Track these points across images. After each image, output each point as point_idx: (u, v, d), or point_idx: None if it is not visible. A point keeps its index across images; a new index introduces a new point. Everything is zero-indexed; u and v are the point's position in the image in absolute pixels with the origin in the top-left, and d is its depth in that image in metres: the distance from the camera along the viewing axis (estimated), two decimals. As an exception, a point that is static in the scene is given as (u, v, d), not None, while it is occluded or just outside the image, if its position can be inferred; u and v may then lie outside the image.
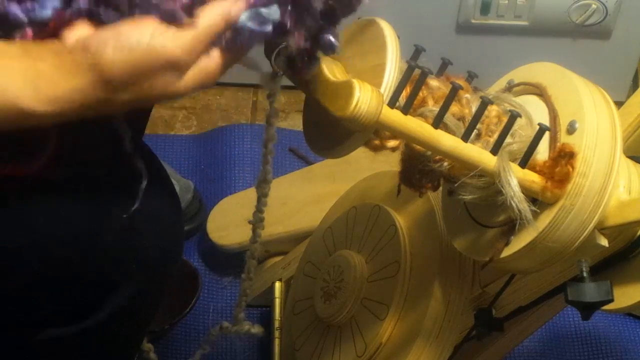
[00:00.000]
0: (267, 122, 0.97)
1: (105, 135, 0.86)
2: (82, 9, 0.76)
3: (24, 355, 0.98)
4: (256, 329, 1.34)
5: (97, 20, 0.76)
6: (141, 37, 0.74)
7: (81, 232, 0.91)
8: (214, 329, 1.35)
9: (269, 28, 0.79)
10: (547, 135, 0.95)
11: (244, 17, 0.79)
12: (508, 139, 0.94)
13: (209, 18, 0.76)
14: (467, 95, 0.95)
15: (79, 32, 0.76)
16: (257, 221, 1.12)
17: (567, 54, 1.80)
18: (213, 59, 0.78)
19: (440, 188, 1.03)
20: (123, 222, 0.91)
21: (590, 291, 0.98)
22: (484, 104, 0.92)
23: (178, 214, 1.02)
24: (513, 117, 0.93)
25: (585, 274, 0.98)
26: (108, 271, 0.93)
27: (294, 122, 1.84)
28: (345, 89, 0.84)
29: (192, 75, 0.77)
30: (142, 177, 0.90)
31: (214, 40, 0.78)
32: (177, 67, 0.76)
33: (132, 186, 0.90)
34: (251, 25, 0.79)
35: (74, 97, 0.75)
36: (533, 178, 0.94)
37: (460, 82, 0.94)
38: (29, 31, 0.76)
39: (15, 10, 0.75)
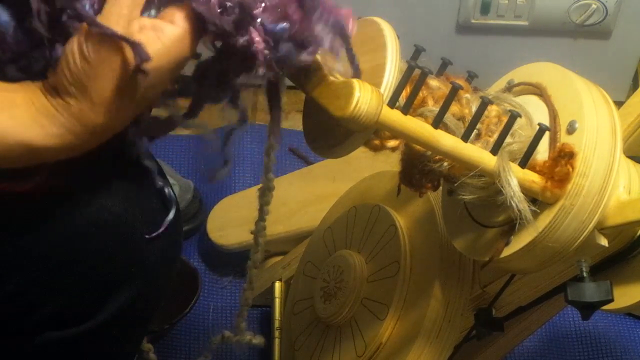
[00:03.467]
0: (269, 131, 0.97)
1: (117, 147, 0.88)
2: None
3: (23, 358, 0.98)
4: (258, 340, 1.34)
5: None
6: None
7: (82, 235, 0.91)
8: (216, 338, 1.35)
9: None
10: (547, 135, 0.95)
11: None
12: (508, 139, 0.94)
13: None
14: (467, 95, 0.95)
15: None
16: (259, 230, 1.12)
17: (567, 54, 1.80)
18: (177, 25, 0.77)
19: (440, 188, 1.03)
20: (125, 226, 0.92)
21: (590, 291, 0.98)
22: (484, 104, 0.92)
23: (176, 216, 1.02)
24: (513, 117, 0.93)
25: (585, 274, 0.98)
26: (107, 274, 0.93)
27: (294, 122, 1.84)
28: (345, 89, 0.84)
29: (159, 53, 0.76)
30: (172, 205, 0.94)
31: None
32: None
33: (160, 214, 0.93)
34: None
35: (78, 132, 0.76)
36: (533, 178, 0.94)
37: (460, 82, 0.94)
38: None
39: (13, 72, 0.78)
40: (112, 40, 0.74)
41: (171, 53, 0.77)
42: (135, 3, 0.76)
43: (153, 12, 0.78)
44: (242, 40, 0.79)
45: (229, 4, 0.78)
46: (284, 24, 0.79)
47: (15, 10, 0.77)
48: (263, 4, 0.79)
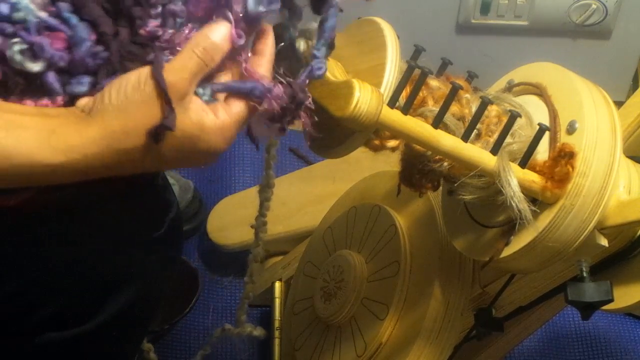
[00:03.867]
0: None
1: None
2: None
3: (23, 358, 0.98)
4: (258, 331, 1.34)
5: None
6: None
7: (82, 236, 0.91)
8: (216, 331, 1.35)
9: (277, 4, 0.81)
10: (547, 135, 0.95)
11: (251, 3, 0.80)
12: (508, 139, 0.94)
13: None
14: (467, 95, 0.95)
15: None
16: (259, 225, 1.13)
17: (567, 54, 1.80)
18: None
19: (440, 188, 1.03)
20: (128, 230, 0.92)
21: (590, 291, 0.98)
22: (484, 104, 0.92)
23: (177, 216, 1.02)
24: (513, 117, 0.93)
25: (585, 274, 0.98)
26: (107, 274, 0.93)
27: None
28: (345, 89, 0.84)
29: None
30: (171, 207, 0.94)
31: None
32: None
33: (160, 214, 0.93)
34: (261, 8, 0.80)
35: (87, 147, 0.76)
36: (533, 178, 0.94)
37: (460, 82, 0.94)
38: (60, 99, 0.79)
39: (52, 80, 0.78)
40: (161, 93, 0.77)
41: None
42: (197, 76, 0.78)
43: (208, 90, 0.80)
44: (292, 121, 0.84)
45: (286, 104, 0.82)
46: (321, 70, 0.84)
47: (97, 32, 0.79)
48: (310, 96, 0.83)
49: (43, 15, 0.78)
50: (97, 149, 0.76)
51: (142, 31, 0.79)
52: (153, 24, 0.79)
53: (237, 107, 0.81)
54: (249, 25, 0.81)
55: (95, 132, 0.76)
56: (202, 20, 0.81)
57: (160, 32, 0.79)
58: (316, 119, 0.84)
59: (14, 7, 0.77)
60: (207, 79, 0.80)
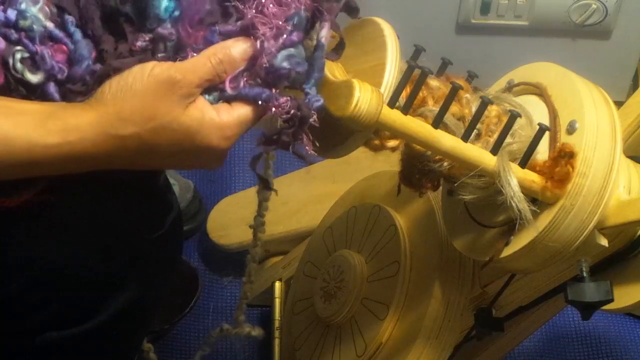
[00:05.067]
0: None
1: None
2: None
3: (24, 358, 0.98)
4: (256, 332, 1.34)
5: None
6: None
7: (82, 235, 0.91)
8: (214, 331, 1.35)
9: (304, 67, 0.82)
10: (547, 135, 0.95)
11: (279, 58, 0.81)
12: (508, 139, 0.94)
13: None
14: (467, 95, 0.95)
15: None
16: (258, 225, 1.13)
17: (567, 54, 1.79)
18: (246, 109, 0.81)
19: (440, 188, 1.03)
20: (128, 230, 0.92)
21: (590, 291, 0.98)
22: (484, 104, 0.92)
23: (177, 216, 1.02)
24: (513, 117, 0.93)
25: (585, 274, 0.98)
26: (107, 274, 0.93)
27: (294, 122, 1.84)
28: (345, 89, 0.84)
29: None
30: (172, 207, 0.94)
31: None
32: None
33: (161, 215, 0.94)
34: (286, 65, 0.81)
35: (84, 130, 0.77)
36: (533, 178, 0.94)
37: (460, 82, 0.94)
38: None
39: (53, 91, 0.80)
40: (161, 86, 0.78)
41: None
42: (206, 82, 0.80)
43: (215, 95, 0.81)
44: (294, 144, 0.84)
45: (290, 115, 0.82)
46: (319, 103, 0.83)
47: (97, 49, 0.81)
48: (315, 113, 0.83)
49: (49, 25, 0.79)
50: (93, 133, 0.77)
51: (135, 47, 0.80)
52: (143, 39, 0.80)
53: (241, 110, 0.81)
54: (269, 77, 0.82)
55: (91, 116, 0.77)
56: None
57: (151, 47, 0.80)
58: (317, 144, 0.84)
59: (22, 14, 0.78)
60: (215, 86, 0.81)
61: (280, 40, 0.81)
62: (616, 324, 1.62)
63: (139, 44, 0.80)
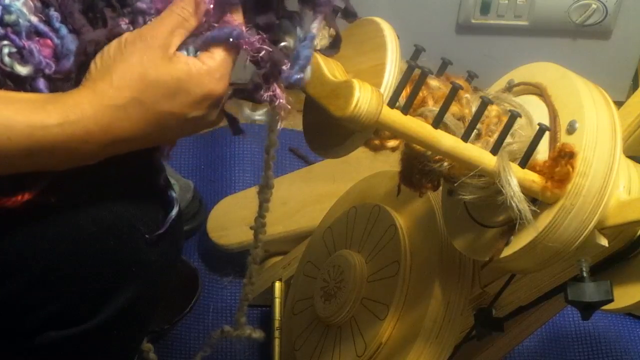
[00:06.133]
0: (269, 129, 0.97)
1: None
2: None
3: (24, 357, 0.98)
4: (257, 334, 1.34)
5: None
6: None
7: (82, 235, 0.91)
8: (215, 332, 1.35)
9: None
10: (547, 135, 0.95)
11: None
12: (508, 139, 0.94)
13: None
14: (467, 95, 0.95)
15: None
16: (258, 226, 1.12)
17: (567, 54, 1.80)
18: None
19: (440, 188, 1.03)
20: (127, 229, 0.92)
21: (590, 291, 0.98)
22: (484, 104, 0.92)
23: (177, 215, 1.02)
24: (513, 117, 0.93)
25: (585, 274, 0.98)
26: (108, 273, 0.93)
27: (294, 122, 1.82)
28: (345, 89, 0.84)
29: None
30: (173, 206, 0.95)
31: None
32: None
33: (161, 213, 0.95)
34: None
35: (82, 108, 0.78)
36: (533, 178, 0.94)
37: (460, 82, 0.94)
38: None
39: (42, 87, 0.81)
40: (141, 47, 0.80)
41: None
42: (177, 29, 0.82)
43: (191, 49, 0.83)
44: (266, 95, 0.85)
45: (261, 56, 0.84)
46: (300, 76, 0.85)
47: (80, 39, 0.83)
48: (287, 60, 0.85)
49: (34, 20, 0.79)
50: (91, 109, 0.79)
51: (115, 31, 0.82)
52: (124, 22, 0.83)
53: (220, 52, 0.83)
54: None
55: (86, 94, 0.79)
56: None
57: (131, 29, 0.83)
58: (290, 98, 0.86)
59: (6, 9, 0.78)
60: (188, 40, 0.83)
61: None
62: (616, 324, 1.62)
63: (119, 27, 0.82)
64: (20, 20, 0.79)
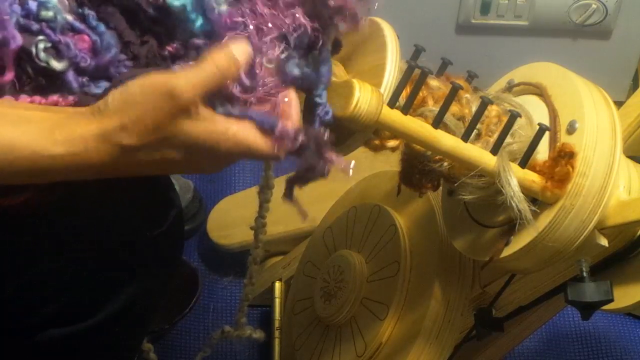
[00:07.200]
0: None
1: None
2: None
3: (25, 356, 0.98)
4: (258, 334, 1.34)
5: None
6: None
7: (83, 234, 0.91)
8: (216, 333, 1.35)
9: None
10: (547, 135, 0.95)
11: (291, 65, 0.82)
12: (508, 139, 0.94)
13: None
14: (467, 95, 0.95)
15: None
16: (259, 226, 1.13)
17: (567, 54, 1.79)
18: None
19: (440, 188, 1.03)
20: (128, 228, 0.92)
21: (590, 291, 0.98)
22: (484, 104, 0.92)
23: (178, 214, 1.02)
24: (513, 117, 0.93)
25: (585, 274, 0.98)
26: (108, 273, 0.94)
27: (294, 122, 1.83)
28: (345, 89, 0.84)
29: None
30: (173, 204, 0.94)
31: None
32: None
33: (162, 212, 0.94)
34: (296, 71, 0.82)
35: (87, 141, 0.77)
36: (533, 178, 0.94)
37: (460, 82, 0.94)
38: (71, 98, 0.79)
39: (71, 79, 0.79)
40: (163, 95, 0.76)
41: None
42: (209, 82, 0.78)
43: (222, 110, 0.80)
44: (325, 168, 0.86)
45: (304, 140, 0.82)
46: (329, 117, 0.84)
47: (122, 42, 0.81)
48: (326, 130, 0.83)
49: (69, 17, 0.79)
50: (95, 143, 0.77)
51: (169, 47, 0.80)
52: (176, 44, 0.80)
53: (248, 132, 0.80)
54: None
55: (95, 127, 0.77)
56: None
57: (182, 52, 0.80)
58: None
59: (44, 5, 0.78)
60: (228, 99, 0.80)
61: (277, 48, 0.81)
62: (616, 324, 1.62)
63: (173, 46, 0.80)
64: (58, 17, 0.78)
